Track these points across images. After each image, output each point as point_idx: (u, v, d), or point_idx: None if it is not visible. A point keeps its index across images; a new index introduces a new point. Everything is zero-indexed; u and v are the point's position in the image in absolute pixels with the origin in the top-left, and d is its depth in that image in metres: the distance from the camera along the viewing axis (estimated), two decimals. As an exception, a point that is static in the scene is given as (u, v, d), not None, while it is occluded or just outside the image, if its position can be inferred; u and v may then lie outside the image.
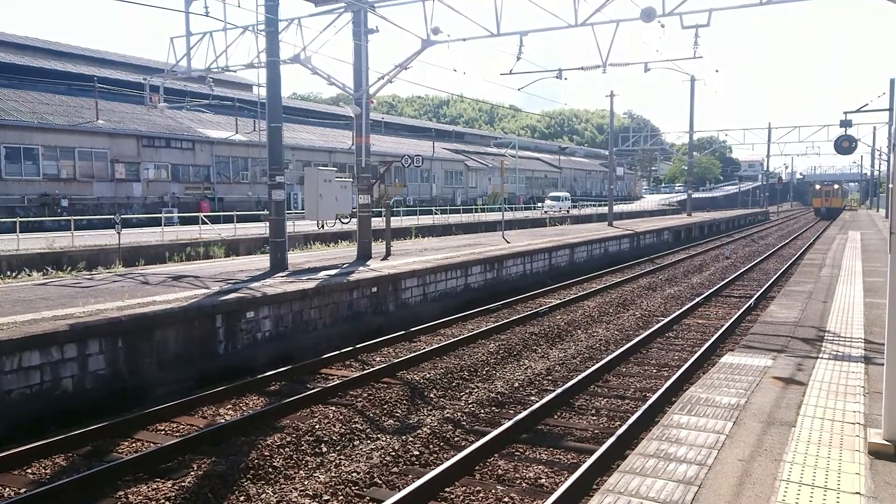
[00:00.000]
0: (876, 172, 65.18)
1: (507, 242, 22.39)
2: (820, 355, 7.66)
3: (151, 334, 9.29)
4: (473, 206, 51.51)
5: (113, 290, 11.44)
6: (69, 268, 16.40)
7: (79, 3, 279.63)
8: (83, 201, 31.73)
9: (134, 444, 7.40)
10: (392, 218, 20.22)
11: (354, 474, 6.41)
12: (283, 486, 6.30)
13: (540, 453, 7.03)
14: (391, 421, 8.08)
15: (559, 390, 8.71)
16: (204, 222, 25.69)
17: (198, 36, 17.40)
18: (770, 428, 5.27)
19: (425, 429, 7.66)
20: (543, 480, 6.35)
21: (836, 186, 67.41)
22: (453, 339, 11.85)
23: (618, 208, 49.11)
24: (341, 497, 6.02)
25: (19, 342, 7.76)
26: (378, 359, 10.99)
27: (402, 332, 12.47)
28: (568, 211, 51.05)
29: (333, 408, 8.37)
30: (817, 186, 70.07)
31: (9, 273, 15.42)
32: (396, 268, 14.76)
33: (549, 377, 9.95)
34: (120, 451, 7.20)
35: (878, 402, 5.47)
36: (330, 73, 16.21)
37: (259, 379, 9.60)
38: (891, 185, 4.89)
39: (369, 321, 13.19)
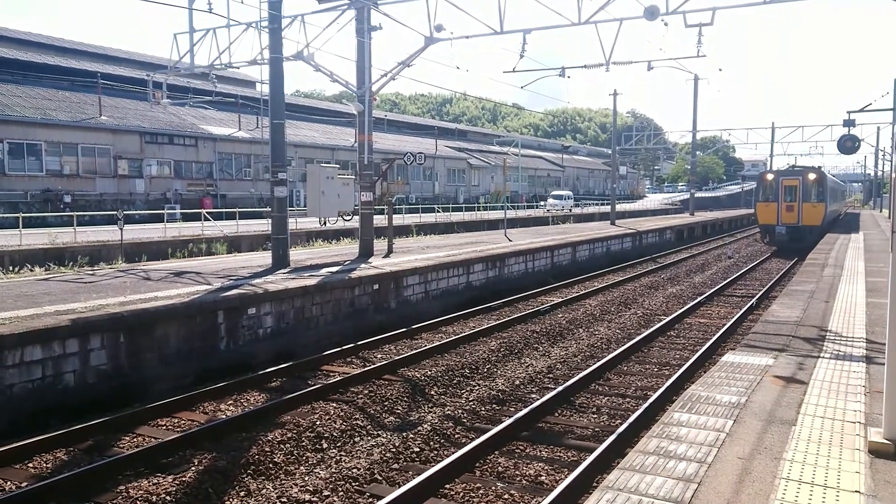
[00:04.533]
0: (879, 172, 64.94)
1: (510, 241, 22.39)
2: (821, 354, 7.65)
3: (153, 330, 9.31)
4: (476, 205, 51.51)
5: (115, 286, 11.46)
6: (71, 263, 16.44)
7: (83, 0, 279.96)
8: (86, 197, 31.79)
9: (135, 439, 7.41)
10: (394, 216, 20.21)
11: (355, 470, 6.42)
12: (283, 481, 6.32)
13: (540, 451, 7.03)
14: (392, 418, 8.08)
15: (560, 388, 8.72)
16: (206, 219, 25.74)
17: (201, 32, 17.42)
18: (770, 426, 5.26)
19: (426, 426, 7.67)
20: (544, 478, 6.35)
21: (811, 177, 29.59)
22: (455, 337, 11.85)
23: (620, 207, 49.06)
24: (341, 493, 6.02)
25: (21, 337, 7.78)
26: (379, 356, 10.99)
27: (404, 330, 12.47)
28: (570, 210, 51.05)
29: (334, 404, 8.37)
30: (769, 177, 30.91)
31: (11, 268, 15.45)
32: (398, 265, 14.76)
33: (550, 375, 9.95)
34: (121, 446, 7.22)
35: (878, 402, 5.46)
36: (333, 70, 16.21)
37: (260, 375, 9.61)
38: (894, 175, 4.87)
39: (371, 318, 13.19)
